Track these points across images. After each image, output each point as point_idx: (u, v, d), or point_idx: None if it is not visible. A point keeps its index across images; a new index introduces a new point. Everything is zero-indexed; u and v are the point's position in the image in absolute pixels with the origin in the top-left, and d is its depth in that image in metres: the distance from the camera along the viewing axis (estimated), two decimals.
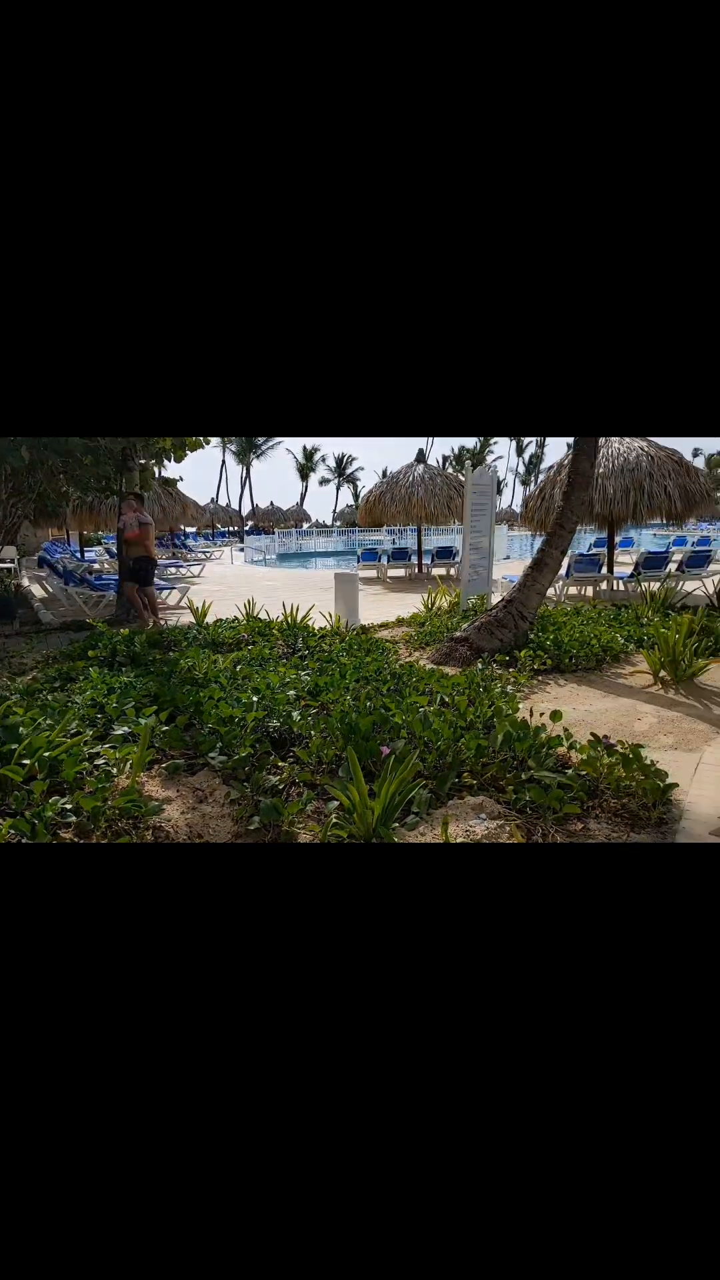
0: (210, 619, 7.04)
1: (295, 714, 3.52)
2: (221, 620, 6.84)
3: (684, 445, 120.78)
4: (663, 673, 4.83)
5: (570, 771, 3.03)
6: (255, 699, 3.70)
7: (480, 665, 5.10)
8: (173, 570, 15.13)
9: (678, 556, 9.69)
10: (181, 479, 12.71)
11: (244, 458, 49.77)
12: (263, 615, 6.91)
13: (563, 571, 9.35)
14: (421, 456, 13.18)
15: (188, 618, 7.70)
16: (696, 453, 60.36)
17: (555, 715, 3.56)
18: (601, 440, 8.90)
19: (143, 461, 9.00)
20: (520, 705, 4.09)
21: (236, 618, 6.95)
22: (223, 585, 12.83)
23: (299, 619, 6.47)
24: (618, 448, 8.58)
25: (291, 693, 3.97)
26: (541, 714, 3.83)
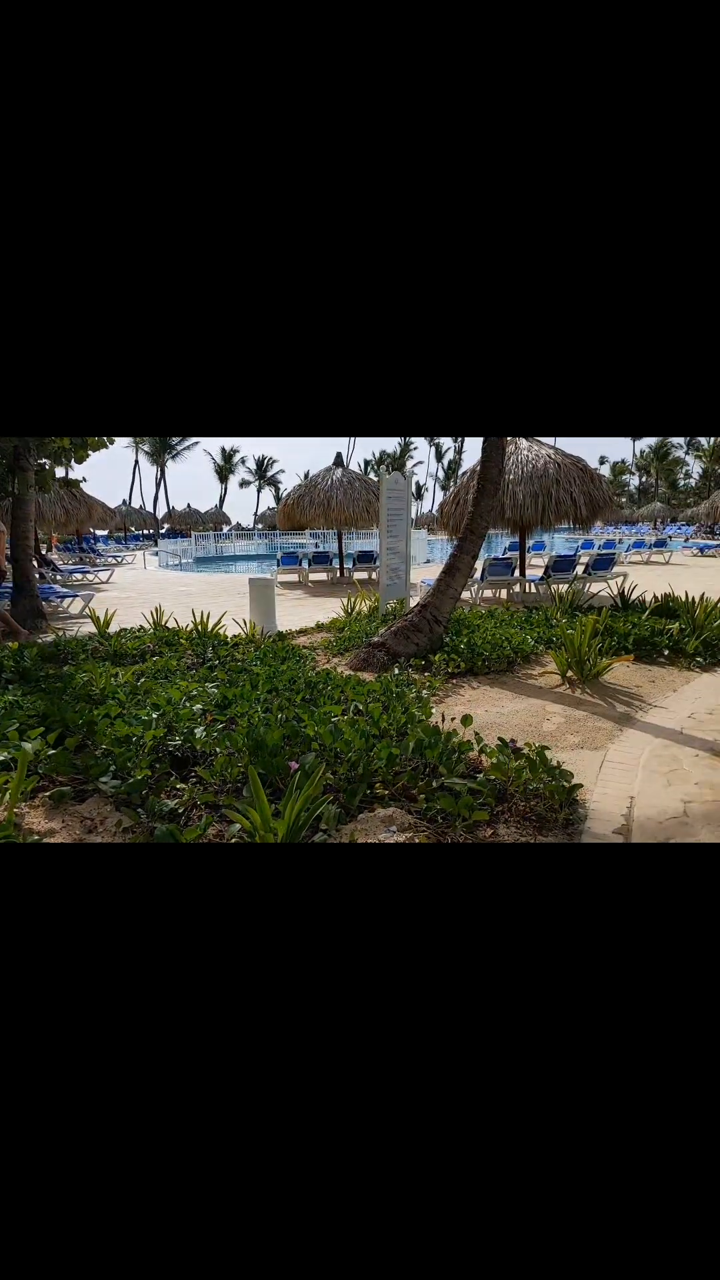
0: (115, 628, 6.63)
1: (199, 730, 3.32)
2: (126, 630, 6.46)
3: (590, 453, 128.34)
4: (570, 673, 4.98)
5: (481, 776, 3.01)
6: (155, 716, 3.46)
7: (397, 670, 5.07)
8: (78, 576, 14.29)
9: (585, 559, 10.17)
10: (85, 479, 12.02)
11: (158, 458, 48.08)
12: (173, 623, 6.59)
13: (477, 575, 9.57)
14: (340, 460, 13.14)
15: (90, 627, 7.23)
16: (603, 460, 64.31)
17: (466, 720, 3.56)
18: (511, 447, 9.20)
19: (43, 462, 8.39)
20: (434, 710, 4.07)
21: (143, 627, 6.59)
22: (133, 592, 12.24)
23: (210, 627, 6.21)
24: (526, 455, 8.89)
25: (197, 707, 3.76)
26: (453, 719, 3.82)
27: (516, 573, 9.71)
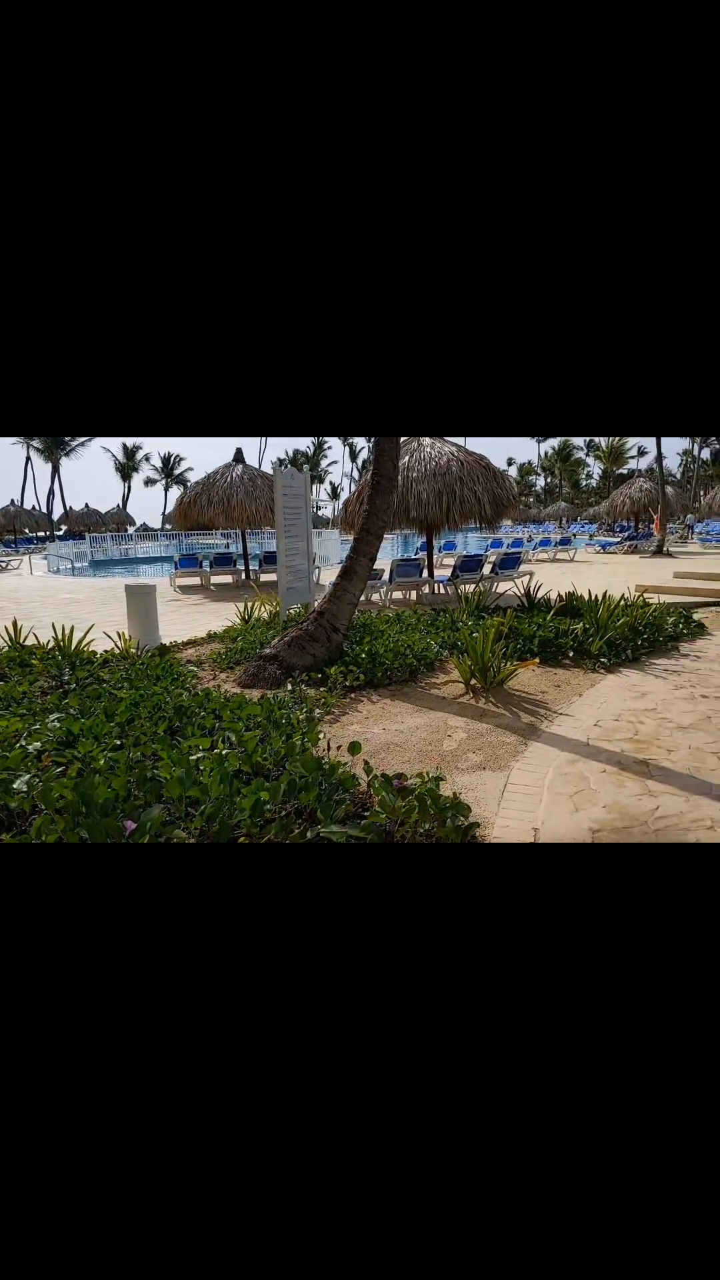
0: None
1: (21, 781, 2.66)
2: None
3: (499, 453, 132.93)
4: (474, 681, 4.67)
5: (367, 819, 2.56)
6: None
7: (290, 686, 4.56)
8: None
9: (492, 558, 10.08)
10: None
11: (50, 455, 44.89)
12: (45, 637, 5.74)
13: (385, 576, 9.24)
14: (240, 456, 12.44)
15: None
16: (511, 461, 66.65)
17: (354, 747, 3.10)
18: (414, 444, 8.92)
19: None
20: (323, 735, 3.60)
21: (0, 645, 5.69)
22: (10, 601, 10.99)
23: (77, 642, 5.43)
24: (429, 452, 8.63)
25: (35, 746, 3.08)
26: (339, 746, 3.35)
27: (425, 573, 9.46)
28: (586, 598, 7.04)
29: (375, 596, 9.32)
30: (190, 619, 8.62)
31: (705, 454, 50.02)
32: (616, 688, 4.83)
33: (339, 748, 3.30)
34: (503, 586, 10.35)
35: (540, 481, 62.44)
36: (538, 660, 5.20)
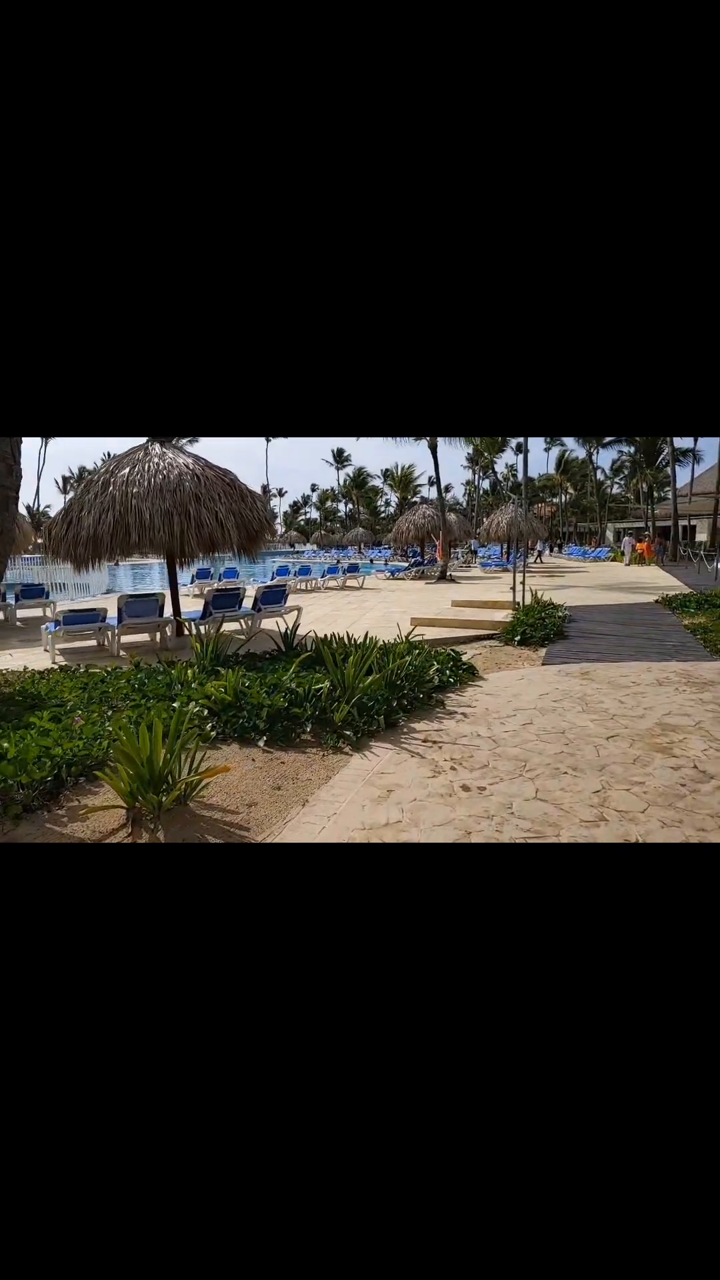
0: None
1: None
2: None
3: (301, 482, 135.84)
4: (139, 803, 2.98)
5: None
6: None
7: None
8: None
9: (252, 592, 8.57)
10: None
11: None
12: None
13: (112, 617, 7.23)
14: None
15: None
16: (314, 487, 67.44)
17: None
18: (139, 453, 7.10)
19: None
20: None
21: None
22: None
23: None
24: (157, 463, 6.85)
25: None
26: None
27: (168, 611, 7.62)
28: (341, 642, 5.81)
29: (105, 641, 7.26)
30: None
31: (485, 484, 55.39)
32: (356, 781, 3.49)
33: None
34: (268, 623, 8.96)
35: (342, 508, 64.07)
36: (228, 768, 3.59)
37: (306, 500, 70.87)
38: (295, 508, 71.64)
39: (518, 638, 7.60)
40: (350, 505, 61.89)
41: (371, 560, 35.27)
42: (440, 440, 19.26)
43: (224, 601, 7.86)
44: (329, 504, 64.76)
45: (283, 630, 6.54)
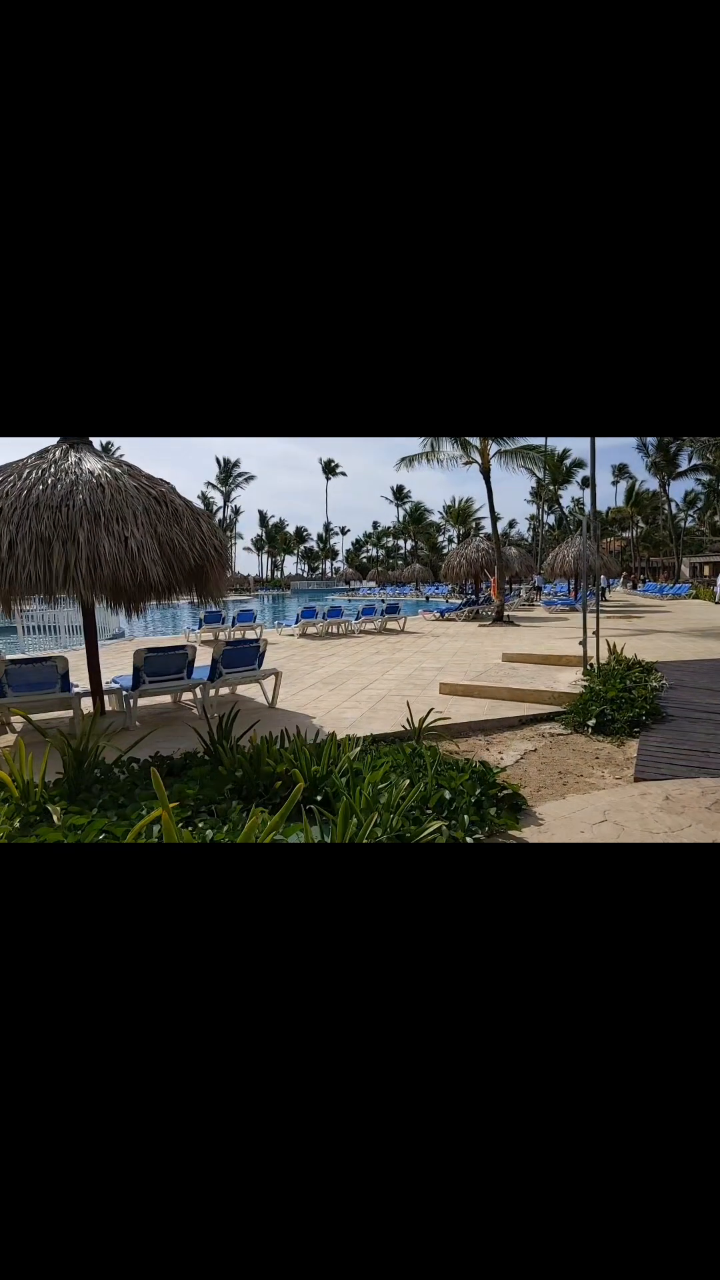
0: None
1: None
2: None
3: (364, 519, 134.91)
4: None
5: None
6: None
7: None
8: None
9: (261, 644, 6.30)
10: None
11: None
12: None
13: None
14: None
15: None
16: (376, 525, 66.21)
17: None
18: (35, 458, 5.04)
19: None
20: None
21: None
22: None
23: None
24: (47, 469, 4.77)
25: None
26: None
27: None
28: (315, 738, 3.38)
29: (17, 720, 5.15)
30: None
31: (550, 519, 52.00)
32: None
33: None
34: (244, 690, 6.67)
35: (404, 545, 62.19)
36: None
37: (368, 538, 69.67)
38: (358, 545, 70.61)
39: (592, 721, 4.92)
40: (410, 542, 59.92)
41: (429, 598, 32.77)
42: (495, 465, 16.77)
43: (237, 658, 5.72)
44: (386, 541, 63.02)
45: (258, 702, 4.18)
